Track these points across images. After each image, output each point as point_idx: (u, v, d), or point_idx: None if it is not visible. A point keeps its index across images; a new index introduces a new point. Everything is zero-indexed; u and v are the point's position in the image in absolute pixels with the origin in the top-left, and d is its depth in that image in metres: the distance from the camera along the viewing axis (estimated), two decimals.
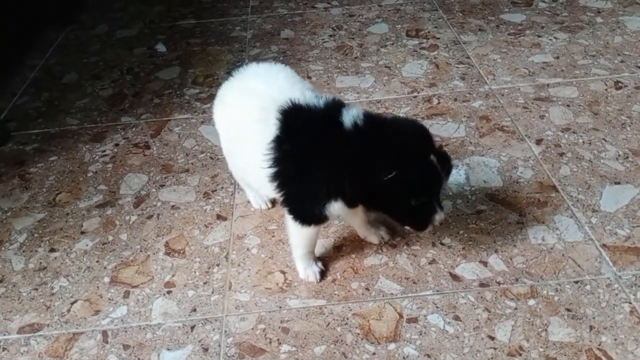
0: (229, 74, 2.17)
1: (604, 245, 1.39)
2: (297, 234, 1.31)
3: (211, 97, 2.07)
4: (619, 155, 1.65)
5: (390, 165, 1.12)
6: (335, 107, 1.23)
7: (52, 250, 1.51)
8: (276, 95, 1.26)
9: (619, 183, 1.56)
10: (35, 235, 1.56)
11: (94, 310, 1.34)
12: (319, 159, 1.18)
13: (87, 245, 1.51)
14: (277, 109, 1.23)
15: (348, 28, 2.46)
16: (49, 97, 2.18)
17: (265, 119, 1.23)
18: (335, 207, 1.20)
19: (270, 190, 1.28)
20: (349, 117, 1.19)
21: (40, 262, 1.47)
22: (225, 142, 1.47)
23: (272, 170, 1.23)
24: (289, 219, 1.29)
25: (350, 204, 1.22)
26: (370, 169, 1.14)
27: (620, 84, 1.95)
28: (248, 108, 1.30)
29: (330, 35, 2.41)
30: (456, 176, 1.62)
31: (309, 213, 1.24)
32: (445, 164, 1.21)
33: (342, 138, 1.17)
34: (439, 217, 1.23)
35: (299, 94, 1.26)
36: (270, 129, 1.22)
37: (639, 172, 1.58)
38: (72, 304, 1.36)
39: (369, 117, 1.21)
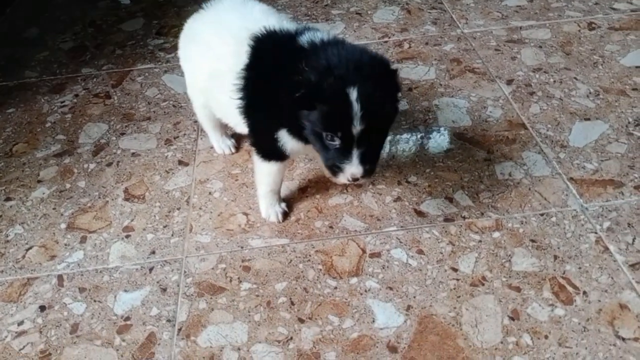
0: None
1: (571, 179, 1.37)
2: (260, 170, 1.27)
3: (176, 47, 1.98)
4: (590, 93, 1.62)
5: (300, 82, 1.01)
6: (301, 31, 1.14)
7: (8, 199, 1.46)
8: (251, 26, 1.18)
9: (588, 119, 1.53)
10: None
11: (50, 255, 1.30)
12: (271, 86, 1.11)
13: (43, 194, 1.46)
14: (250, 36, 1.16)
15: None
16: (10, 52, 2.09)
17: (239, 51, 1.17)
18: (286, 139, 1.14)
19: (243, 126, 1.23)
20: (306, 37, 1.10)
21: None
22: (193, 79, 1.41)
23: (239, 100, 1.17)
24: (253, 155, 1.26)
25: (295, 134, 1.12)
26: (287, 85, 1.03)
27: (593, 25, 1.91)
28: (223, 41, 1.22)
29: None
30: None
31: (266, 146, 1.20)
32: (372, 105, 1.00)
33: (289, 59, 1.07)
34: (349, 169, 1.05)
35: (275, 24, 1.18)
36: (242, 58, 1.16)
37: (609, 109, 1.56)
38: (27, 250, 1.32)
39: (328, 41, 1.10)
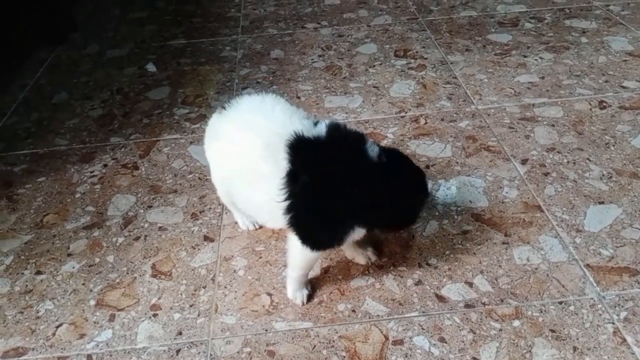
0: (218, 93, 2.21)
1: (587, 266, 1.40)
2: (302, 258, 1.31)
3: (201, 117, 2.09)
4: (603, 175, 1.67)
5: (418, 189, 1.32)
6: (353, 141, 1.26)
7: (39, 272, 1.50)
8: (277, 129, 1.26)
9: (602, 203, 1.58)
10: (22, 257, 1.55)
11: (79, 333, 1.33)
12: (342, 188, 1.21)
13: (73, 268, 1.51)
14: (285, 143, 1.23)
15: (337, 48, 2.49)
16: (39, 117, 2.18)
17: (271, 155, 1.24)
18: (358, 232, 1.26)
19: (280, 222, 1.28)
20: (373, 152, 1.24)
21: (26, 285, 1.47)
22: (219, 174, 1.47)
23: (288, 202, 1.23)
24: (296, 244, 1.28)
25: (370, 228, 1.28)
26: (403, 193, 1.27)
27: (604, 104, 1.98)
28: (251, 144, 1.29)
29: (320, 55, 2.44)
30: (444, 194, 1.64)
31: (326, 239, 1.27)
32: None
33: (368, 169, 1.23)
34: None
35: (299, 125, 1.27)
36: (279, 164, 1.23)
37: (623, 192, 1.60)
38: (57, 327, 1.35)
39: (387, 153, 1.29)
